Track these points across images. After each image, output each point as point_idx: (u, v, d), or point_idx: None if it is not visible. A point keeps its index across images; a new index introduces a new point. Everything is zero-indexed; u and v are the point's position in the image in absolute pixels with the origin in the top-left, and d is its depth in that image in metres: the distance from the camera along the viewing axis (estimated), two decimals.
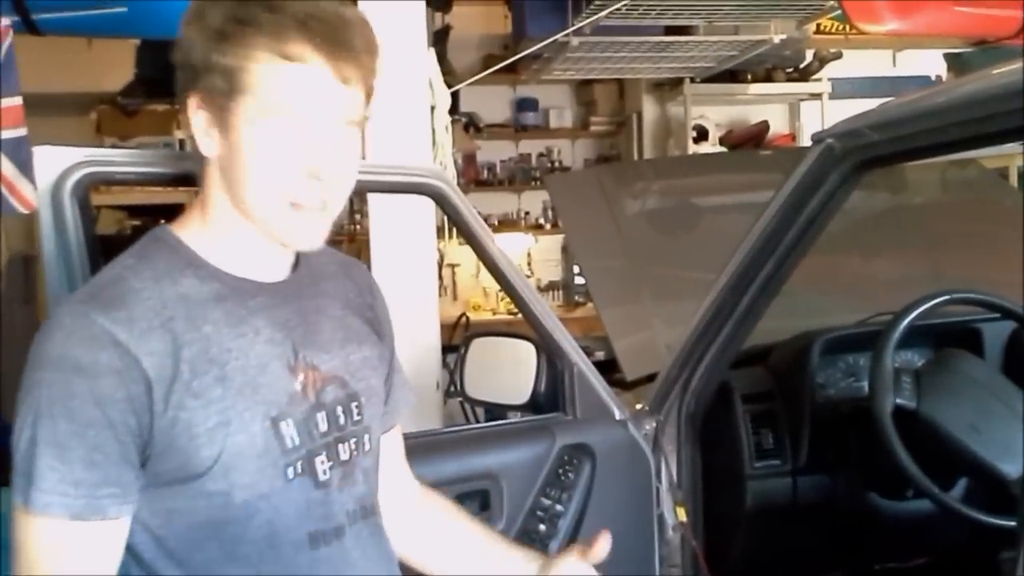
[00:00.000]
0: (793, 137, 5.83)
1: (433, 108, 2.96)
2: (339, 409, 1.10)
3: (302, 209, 1.04)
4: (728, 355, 1.92)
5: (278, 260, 1.12)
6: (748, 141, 5.57)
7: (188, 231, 1.08)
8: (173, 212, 1.15)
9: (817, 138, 1.67)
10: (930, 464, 1.70)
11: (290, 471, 1.04)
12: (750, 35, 4.38)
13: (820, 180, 1.66)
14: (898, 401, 1.72)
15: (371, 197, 2.87)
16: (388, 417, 1.26)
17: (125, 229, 5.14)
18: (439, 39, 4.54)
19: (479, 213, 1.75)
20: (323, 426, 1.08)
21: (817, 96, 5.65)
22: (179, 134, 5.54)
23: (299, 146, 1.01)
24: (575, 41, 4.11)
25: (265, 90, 1.00)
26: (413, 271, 2.87)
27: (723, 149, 5.60)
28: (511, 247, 5.84)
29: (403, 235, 2.85)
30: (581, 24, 3.91)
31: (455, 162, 4.35)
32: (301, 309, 1.11)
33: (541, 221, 6.20)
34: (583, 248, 3.16)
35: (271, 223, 1.05)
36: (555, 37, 3.98)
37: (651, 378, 2.06)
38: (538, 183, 6.07)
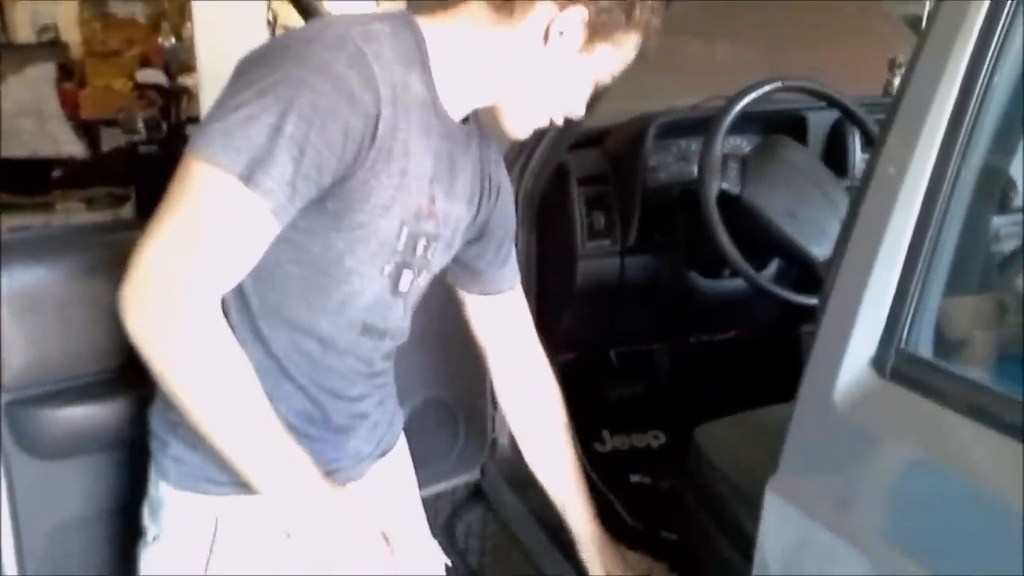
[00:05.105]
0: None
1: None
2: (425, 241, 1.20)
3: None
4: (566, 137, 1.92)
5: (467, 107, 1.20)
6: None
7: (433, 33, 1.13)
8: None
9: None
10: (749, 246, 1.79)
11: (386, 268, 1.17)
12: None
13: None
14: (723, 186, 1.78)
15: None
16: (494, 282, 1.43)
17: None
18: None
19: None
20: (414, 248, 1.19)
21: None
22: None
23: (587, 90, 1.21)
24: None
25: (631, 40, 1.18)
26: (241, 31, 2.67)
27: None
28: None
29: None
30: None
31: None
32: (451, 152, 1.20)
33: None
34: None
35: (510, 115, 1.20)
36: None
37: None
38: None
